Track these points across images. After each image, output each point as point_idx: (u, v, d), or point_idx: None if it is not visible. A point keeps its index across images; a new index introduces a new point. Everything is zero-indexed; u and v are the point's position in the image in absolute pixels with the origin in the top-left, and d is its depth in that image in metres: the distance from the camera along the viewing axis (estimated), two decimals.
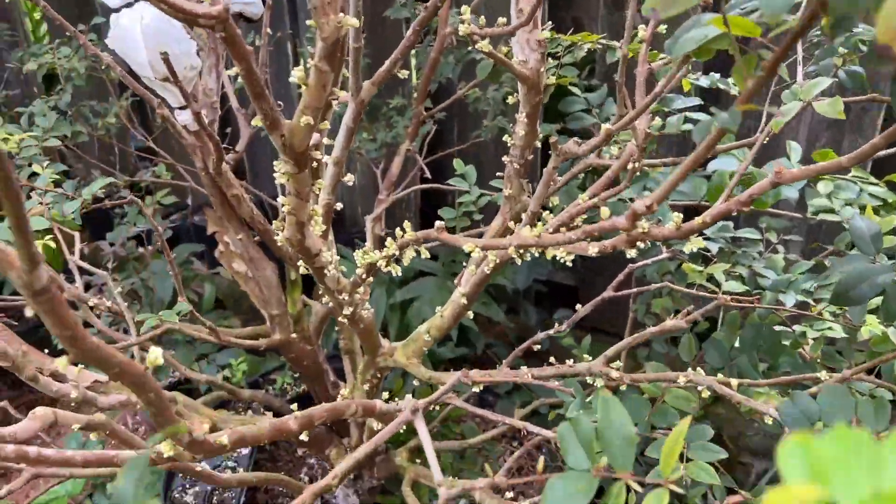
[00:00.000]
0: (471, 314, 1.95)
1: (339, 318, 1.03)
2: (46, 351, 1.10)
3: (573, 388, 0.73)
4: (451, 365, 1.86)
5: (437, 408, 1.59)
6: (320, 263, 0.86)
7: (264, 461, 1.66)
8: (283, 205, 0.75)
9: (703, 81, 1.00)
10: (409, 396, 0.79)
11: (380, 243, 1.42)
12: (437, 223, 0.66)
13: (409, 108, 1.68)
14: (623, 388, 0.93)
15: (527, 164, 1.01)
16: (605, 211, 0.65)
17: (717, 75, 1.02)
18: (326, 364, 1.48)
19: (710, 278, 1.06)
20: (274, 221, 0.80)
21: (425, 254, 0.80)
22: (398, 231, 0.74)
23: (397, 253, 0.72)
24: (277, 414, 1.51)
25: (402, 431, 1.57)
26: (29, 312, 0.40)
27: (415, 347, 1.18)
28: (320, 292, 0.96)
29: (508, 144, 1.00)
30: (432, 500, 1.52)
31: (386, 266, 0.78)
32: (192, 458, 0.65)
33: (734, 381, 0.79)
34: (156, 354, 0.50)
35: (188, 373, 1.36)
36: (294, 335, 1.29)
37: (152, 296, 1.98)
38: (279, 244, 0.82)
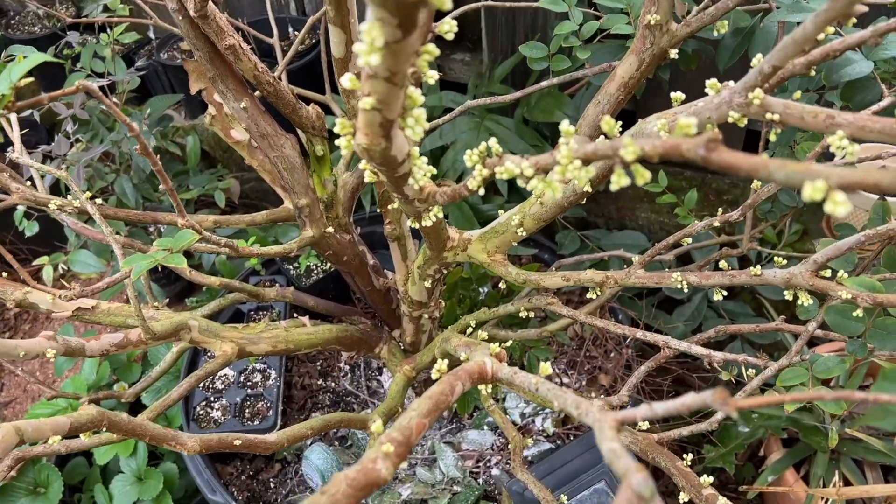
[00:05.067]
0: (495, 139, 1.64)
1: (410, 224, 0.73)
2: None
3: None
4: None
5: (504, 285, 1.32)
6: (403, 172, 0.54)
7: (296, 356, 1.43)
8: (349, 94, 0.42)
9: None
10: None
11: None
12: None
13: None
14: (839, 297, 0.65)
15: None
16: None
17: None
18: (363, 244, 1.18)
19: None
20: (338, 120, 0.46)
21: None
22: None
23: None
24: (314, 315, 1.25)
25: (458, 311, 1.30)
26: None
27: (499, 242, 0.89)
28: (395, 201, 0.64)
29: None
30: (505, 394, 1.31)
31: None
32: None
33: None
34: None
35: (194, 275, 1.07)
36: (329, 228, 0.98)
37: (127, 160, 1.63)
38: (349, 143, 0.49)
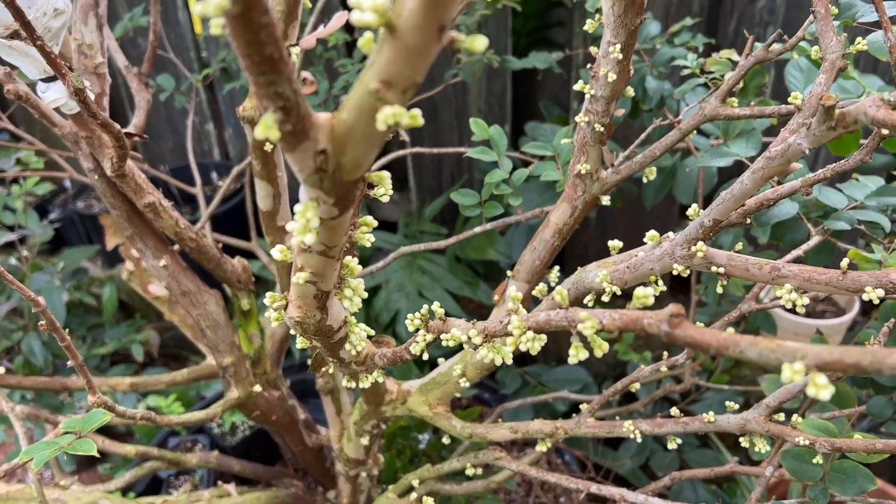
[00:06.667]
0: (448, 295, 1.61)
1: (345, 382, 0.68)
2: None
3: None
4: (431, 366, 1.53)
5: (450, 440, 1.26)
6: (340, 338, 0.50)
7: None
8: (277, 262, 0.39)
9: None
10: None
11: None
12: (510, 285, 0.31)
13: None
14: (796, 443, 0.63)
15: (611, 126, 0.67)
16: None
17: None
18: (293, 397, 1.11)
19: None
20: (268, 294, 0.42)
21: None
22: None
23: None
24: (241, 480, 1.15)
25: (398, 464, 1.22)
26: None
27: (440, 393, 0.84)
28: (330, 365, 0.60)
29: (586, 93, 0.66)
30: None
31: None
32: None
33: None
34: None
35: (107, 445, 0.97)
36: (257, 387, 0.92)
37: (37, 318, 1.53)
38: (280, 317, 0.45)
